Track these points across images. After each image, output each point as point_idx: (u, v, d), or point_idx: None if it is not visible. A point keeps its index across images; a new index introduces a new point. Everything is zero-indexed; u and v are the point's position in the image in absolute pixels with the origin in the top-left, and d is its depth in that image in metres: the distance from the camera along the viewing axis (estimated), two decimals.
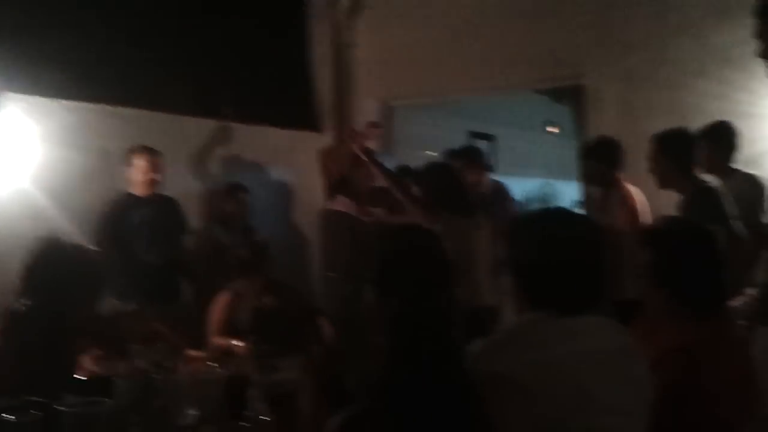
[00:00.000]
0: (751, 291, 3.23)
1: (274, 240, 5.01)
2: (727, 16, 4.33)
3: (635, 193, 4.06)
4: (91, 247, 4.02)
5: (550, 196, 7.50)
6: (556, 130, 9.00)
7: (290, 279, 4.50)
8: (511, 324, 1.62)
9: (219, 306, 4.08)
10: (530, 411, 1.44)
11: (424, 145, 7.03)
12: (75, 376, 2.55)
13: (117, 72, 4.44)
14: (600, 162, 4.09)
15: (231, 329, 3.99)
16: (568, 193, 7.71)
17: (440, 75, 5.43)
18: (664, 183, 3.47)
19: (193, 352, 3.71)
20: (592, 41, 4.83)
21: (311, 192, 5.85)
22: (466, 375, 1.39)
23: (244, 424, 2.15)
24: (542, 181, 7.91)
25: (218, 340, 4.01)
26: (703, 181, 3.35)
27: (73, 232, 4.11)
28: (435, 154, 6.95)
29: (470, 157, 4.87)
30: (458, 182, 4.12)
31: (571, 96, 5.59)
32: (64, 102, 4.18)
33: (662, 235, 2.02)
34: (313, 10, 5.89)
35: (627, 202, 3.97)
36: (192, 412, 2.13)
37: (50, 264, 2.57)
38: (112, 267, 4.14)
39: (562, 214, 1.73)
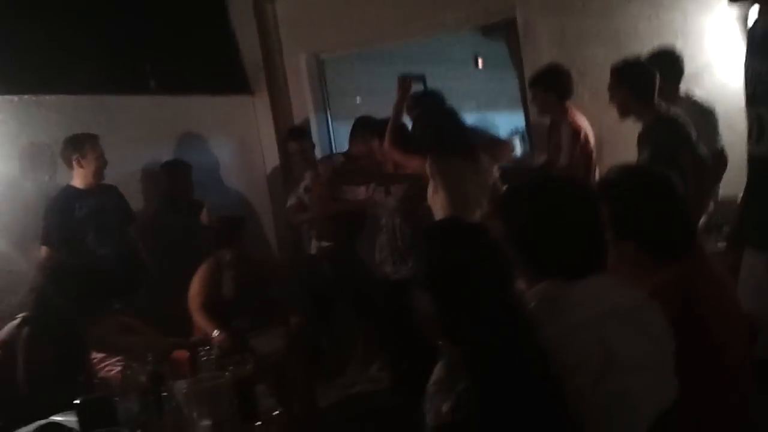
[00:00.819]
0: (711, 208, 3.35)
1: (223, 211, 4.94)
2: None
3: (583, 122, 4.11)
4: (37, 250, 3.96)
5: (488, 130, 7.52)
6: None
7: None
8: (529, 297, 1.61)
9: (200, 278, 4.09)
10: (569, 383, 1.45)
11: (358, 94, 6.93)
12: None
13: (35, 59, 4.18)
14: (548, 90, 4.11)
15: (215, 300, 4.02)
16: (505, 125, 7.77)
17: (368, 21, 5.30)
18: (624, 113, 3.50)
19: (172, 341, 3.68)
20: None
21: (252, 158, 5.73)
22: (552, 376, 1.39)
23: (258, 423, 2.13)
24: (478, 116, 7.91)
25: (200, 318, 3.99)
26: (665, 110, 3.38)
27: (15, 232, 3.95)
28: (369, 100, 6.91)
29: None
30: (460, 122, 3.97)
31: (502, 30, 5.54)
32: None
33: (618, 187, 1.97)
34: None
35: (578, 135, 4.01)
36: (205, 422, 2.08)
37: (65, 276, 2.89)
38: (65, 265, 4.01)
39: (553, 181, 1.72)
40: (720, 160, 3.67)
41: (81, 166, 4.10)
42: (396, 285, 4.19)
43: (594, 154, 4.17)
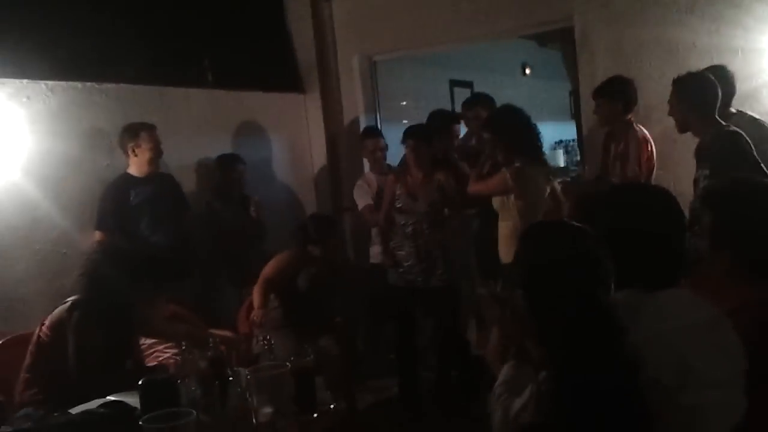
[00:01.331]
0: None
1: (271, 206, 5.00)
2: None
3: (647, 134, 4.10)
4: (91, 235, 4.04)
5: None
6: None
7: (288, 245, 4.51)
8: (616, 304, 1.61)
9: (280, 262, 4.15)
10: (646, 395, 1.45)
11: (406, 96, 6.98)
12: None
13: (97, 48, 4.29)
14: (614, 101, 4.09)
15: (286, 287, 4.10)
16: (549, 135, 7.76)
17: (423, 26, 5.32)
18: (684, 126, 3.47)
19: (217, 332, 3.71)
20: None
21: (302, 153, 5.79)
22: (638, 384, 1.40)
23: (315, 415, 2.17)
24: None
25: (258, 290, 4.08)
26: (726, 125, 3.35)
27: (72, 215, 4.05)
28: (417, 104, 6.94)
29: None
30: (533, 127, 4.00)
31: (558, 39, 5.54)
32: (48, 83, 4.04)
33: (725, 195, 1.97)
34: None
35: (646, 146, 4.02)
36: (267, 409, 2.12)
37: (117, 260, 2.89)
38: (118, 249, 4.08)
39: (638, 188, 1.72)
40: None
41: (136, 155, 4.18)
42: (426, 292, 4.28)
43: (655, 168, 4.15)
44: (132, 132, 4.15)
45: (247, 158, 4.97)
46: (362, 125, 5.72)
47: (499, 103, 4.88)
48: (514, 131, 3.87)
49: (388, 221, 4.42)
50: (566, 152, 8.54)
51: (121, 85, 4.41)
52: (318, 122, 5.69)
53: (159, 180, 4.29)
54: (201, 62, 4.97)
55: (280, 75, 5.60)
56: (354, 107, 5.73)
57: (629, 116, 4.14)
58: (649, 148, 4.08)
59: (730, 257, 1.90)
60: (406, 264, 4.29)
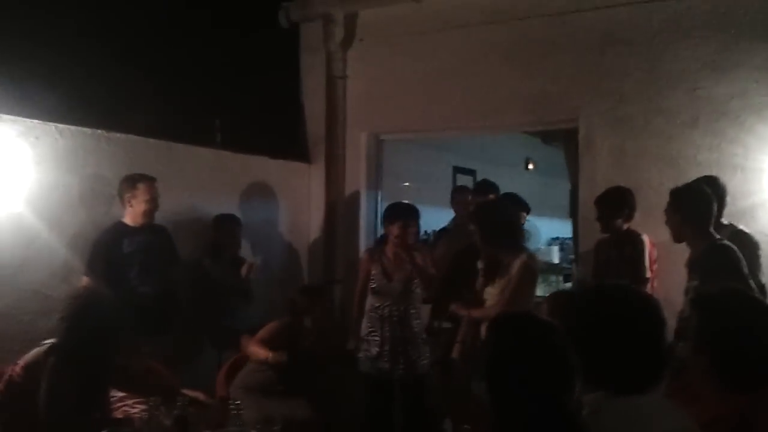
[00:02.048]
0: None
1: (263, 270, 4.99)
2: (722, 69, 4.43)
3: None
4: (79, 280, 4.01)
5: (529, 233, 7.58)
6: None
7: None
8: (587, 403, 1.59)
9: (278, 324, 4.10)
10: None
11: (409, 177, 7.07)
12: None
13: (111, 96, 4.40)
14: (619, 210, 4.18)
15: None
16: (546, 231, 7.81)
17: (432, 111, 5.44)
18: (678, 237, 3.50)
19: (190, 392, 3.64)
20: (586, 87, 4.86)
21: (300, 221, 5.82)
22: None
23: None
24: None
25: (256, 347, 4.05)
26: (719, 238, 3.38)
27: (65, 257, 4.04)
28: (419, 185, 7.02)
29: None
30: (515, 221, 4.15)
31: (561, 138, 5.64)
32: (58, 125, 4.10)
33: (711, 300, 1.98)
34: (305, 41, 5.89)
35: (652, 252, 4.10)
36: None
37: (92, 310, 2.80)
38: (101, 296, 4.05)
39: (621, 290, 1.72)
40: (762, 294, 3.62)
41: (131, 205, 4.20)
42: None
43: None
44: (131, 182, 4.18)
45: (246, 221, 5.00)
46: (363, 200, 5.78)
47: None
48: (493, 224, 3.91)
49: (360, 304, 4.44)
50: (561, 249, 8.57)
51: (130, 135, 4.47)
52: (320, 193, 5.74)
53: (152, 231, 4.30)
54: (212, 122, 5.06)
55: (288, 143, 5.70)
56: (357, 182, 5.79)
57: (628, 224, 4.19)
58: (655, 253, 4.13)
59: (709, 360, 1.88)
60: (375, 350, 4.28)
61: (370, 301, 4.35)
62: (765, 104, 4.29)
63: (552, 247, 8.77)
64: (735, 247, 3.28)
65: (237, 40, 5.21)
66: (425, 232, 7.09)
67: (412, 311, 4.33)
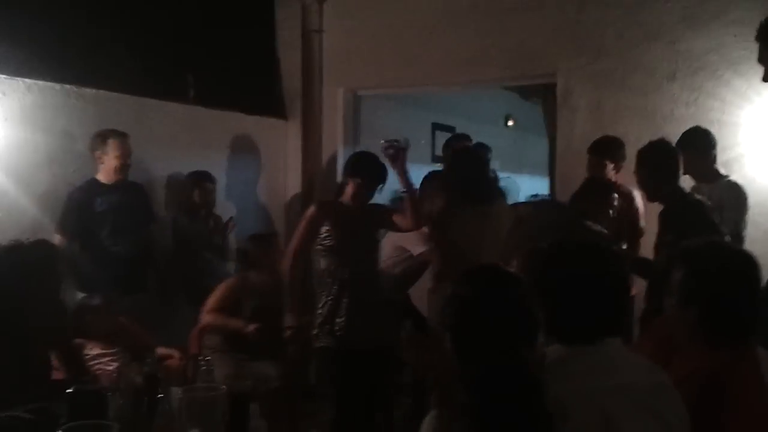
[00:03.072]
0: None
1: (240, 229, 4.96)
2: (700, 24, 4.40)
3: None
4: (50, 238, 3.95)
5: (509, 190, 7.58)
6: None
7: None
8: (548, 355, 1.59)
9: (223, 291, 4.05)
10: None
11: (387, 134, 6.99)
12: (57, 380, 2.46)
13: (81, 52, 4.26)
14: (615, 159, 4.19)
15: (229, 314, 4.01)
16: (526, 188, 7.81)
17: (410, 67, 5.37)
18: (650, 195, 3.50)
19: (162, 349, 3.64)
20: (564, 41, 4.82)
21: (276, 179, 5.77)
22: None
23: None
24: (502, 175, 7.98)
25: (219, 319, 4.00)
26: (689, 194, 3.39)
27: (34, 215, 3.98)
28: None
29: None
30: (487, 171, 4.16)
31: (540, 93, 5.61)
32: (25, 80, 4.00)
33: (698, 253, 1.97)
34: None
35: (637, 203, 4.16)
36: (194, 431, 2.06)
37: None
38: (77, 257, 4.03)
39: (585, 246, 1.71)
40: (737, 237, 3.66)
41: (102, 162, 4.13)
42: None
43: None
44: (101, 138, 4.11)
45: (221, 178, 4.94)
46: (340, 157, 5.73)
47: None
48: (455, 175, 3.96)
49: (296, 268, 3.71)
50: None
51: (100, 91, 4.37)
52: (296, 150, 5.69)
53: (127, 189, 4.24)
54: (184, 77, 4.95)
55: (264, 99, 5.60)
56: (334, 138, 5.74)
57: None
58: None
59: (697, 314, 1.88)
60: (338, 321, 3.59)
61: (325, 264, 3.69)
62: (742, 58, 4.25)
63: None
64: (705, 204, 3.29)
65: None
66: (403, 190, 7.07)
67: (375, 273, 3.78)
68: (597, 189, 3.82)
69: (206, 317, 4.04)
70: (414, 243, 4.32)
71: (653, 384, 1.61)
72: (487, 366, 1.40)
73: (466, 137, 5.12)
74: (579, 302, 1.60)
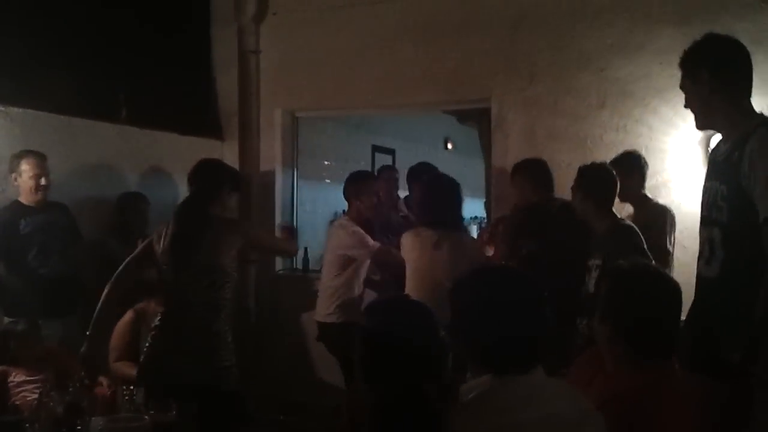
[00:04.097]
0: None
1: None
2: (628, 52, 4.53)
3: None
4: None
5: None
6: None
7: None
8: (467, 389, 1.59)
9: (120, 329, 3.90)
10: None
11: (326, 156, 7.00)
12: None
13: (7, 70, 4.11)
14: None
15: (133, 353, 3.81)
16: (467, 211, 7.86)
17: (348, 89, 5.38)
18: (583, 215, 3.55)
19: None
20: (499, 67, 4.90)
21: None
22: None
23: None
24: None
25: (118, 367, 3.81)
26: (621, 219, 3.45)
27: None
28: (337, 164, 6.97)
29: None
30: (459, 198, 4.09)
31: (476, 118, 5.69)
32: None
33: (622, 271, 2.03)
34: (216, 13, 5.72)
35: None
36: None
37: None
38: (3, 280, 3.90)
39: (503, 273, 1.72)
40: (662, 255, 3.75)
41: (17, 183, 4.02)
42: None
43: None
44: (16, 159, 4.01)
45: (154, 199, 4.84)
46: (278, 178, 5.70)
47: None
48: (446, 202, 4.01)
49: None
50: (480, 228, 8.69)
51: (27, 110, 4.24)
52: None
53: (51, 210, 4.14)
54: (116, 97, 4.85)
55: (199, 119, 5.52)
56: (272, 160, 5.69)
57: None
58: None
59: (613, 329, 1.92)
60: None
61: None
62: (668, 86, 4.37)
63: (471, 226, 8.87)
64: (636, 229, 3.37)
65: (143, 10, 4.99)
66: (343, 211, 7.06)
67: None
68: None
69: (112, 366, 3.89)
70: (354, 248, 4.40)
71: (578, 412, 1.63)
72: (389, 398, 1.39)
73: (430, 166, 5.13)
74: (502, 332, 1.60)
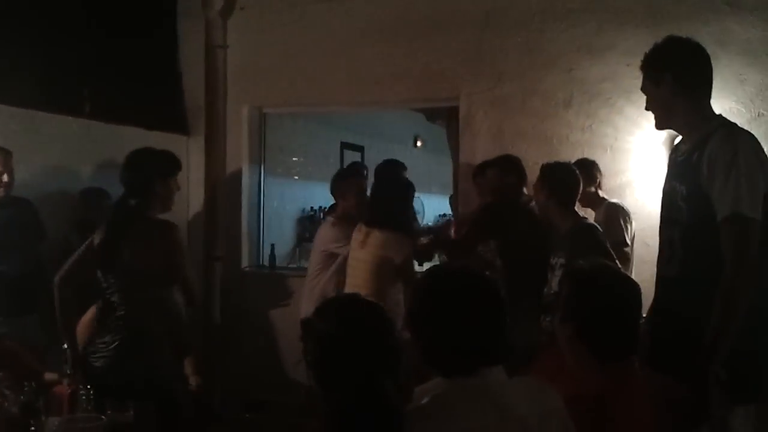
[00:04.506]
0: None
1: None
2: (595, 53, 4.58)
3: None
4: None
5: (416, 210, 7.65)
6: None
7: None
8: (423, 391, 1.58)
9: (83, 326, 3.82)
10: None
11: (295, 152, 6.96)
12: None
13: None
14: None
15: None
16: (434, 208, 7.90)
17: (316, 86, 5.35)
18: (545, 213, 3.58)
19: (48, 375, 3.45)
20: (467, 66, 4.91)
21: (178, 198, 5.59)
22: None
23: None
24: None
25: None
26: (584, 218, 3.48)
27: None
28: (306, 161, 6.93)
29: None
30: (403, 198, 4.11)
31: (444, 116, 5.69)
32: None
33: (584, 271, 2.04)
34: (183, 7, 5.65)
35: None
36: None
37: None
38: None
39: (459, 274, 1.70)
40: (622, 252, 3.80)
41: None
42: None
43: None
44: None
45: (118, 195, 4.75)
46: (245, 175, 5.65)
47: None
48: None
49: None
50: (438, 225, 8.73)
51: None
52: (199, 167, 5.55)
53: (14, 205, 4.03)
54: (80, 90, 4.76)
55: (165, 114, 5.45)
56: (239, 156, 5.64)
57: None
58: None
59: (575, 330, 1.94)
60: None
61: None
62: (634, 87, 4.31)
63: (439, 223, 8.89)
64: (598, 227, 3.40)
65: (109, 3, 4.91)
66: (311, 208, 7.05)
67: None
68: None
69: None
70: (335, 242, 4.37)
71: (538, 414, 1.62)
72: (346, 399, 1.38)
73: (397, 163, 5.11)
74: (454, 333, 1.58)
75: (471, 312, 1.61)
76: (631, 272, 3.86)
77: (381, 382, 1.42)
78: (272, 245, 5.78)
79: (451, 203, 5.79)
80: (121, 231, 3.18)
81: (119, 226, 3.21)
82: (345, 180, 4.62)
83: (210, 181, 5.51)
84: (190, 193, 5.61)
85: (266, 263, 5.76)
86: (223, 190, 5.59)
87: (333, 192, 4.62)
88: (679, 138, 2.52)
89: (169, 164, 3.39)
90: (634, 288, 2.05)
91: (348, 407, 1.36)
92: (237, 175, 5.62)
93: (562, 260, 3.35)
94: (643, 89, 2.51)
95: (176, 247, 3.28)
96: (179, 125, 5.58)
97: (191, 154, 5.61)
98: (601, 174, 4.26)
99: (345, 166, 6.36)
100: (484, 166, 4.29)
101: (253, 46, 5.48)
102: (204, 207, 5.57)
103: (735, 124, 2.36)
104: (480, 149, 4.83)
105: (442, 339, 1.59)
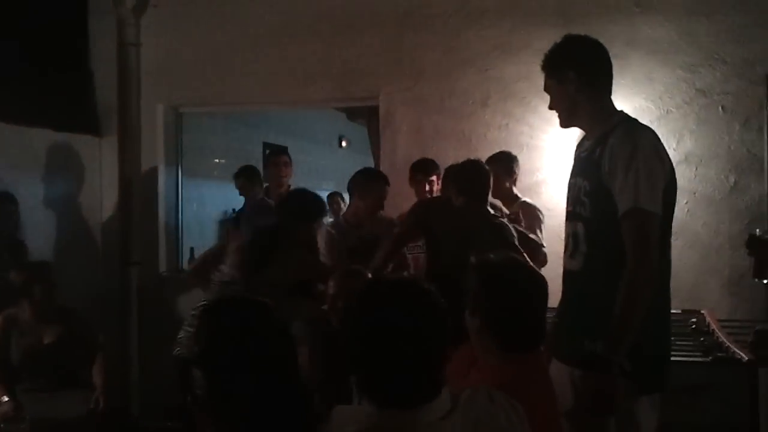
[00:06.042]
0: None
1: (51, 256, 4.61)
2: (510, 53, 4.64)
3: None
4: None
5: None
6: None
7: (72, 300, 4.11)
8: (356, 418, 1.47)
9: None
10: None
11: (215, 153, 6.83)
12: None
13: None
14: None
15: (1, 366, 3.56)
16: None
17: (234, 84, 5.24)
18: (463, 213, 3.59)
19: None
20: (387, 66, 4.91)
21: (91, 198, 5.42)
22: None
23: None
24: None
25: None
26: (494, 216, 3.51)
27: None
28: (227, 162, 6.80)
29: None
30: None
31: (365, 115, 5.68)
32: None
33: (490, 265, 2.05)
34: (94, 4, 5.46)
35: None
36: None
37: None
38: None
39: (399, 293, 1.52)
40: (536, 248, 3.86)
41: None
42: None
43: None
44: None
45: (26, 200, 4.57)
46: (161, 176, 5.49)
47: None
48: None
49: None
50: None
51: None
52: (113, 168, 5.37)
53: None
54: None
55: (75, 115, 5.25)
56: (154, 156, 5.48)
57: None
58: None
59: (482, 323, 1.95)
60: None
61: None
62: None
63: None
64: (508, 224, 3.43)
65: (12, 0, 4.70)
66: (233, 210, 6.91)
67: None
68: None
69: None
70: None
71: None
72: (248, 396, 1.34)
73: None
74: (391, 362, 1.42)
75: (409, 339, 1.43)
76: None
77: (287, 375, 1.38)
78: (191, 249, 5.65)
79: None
80: None
81: None
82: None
83: (124, 184, 5.33)
84: (104, 196, 5.45)
85: (186, 267, 5.62)
86: (138, 193, 5.41)
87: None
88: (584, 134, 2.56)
89: None
90: (539, 281, 2.07)
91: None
92: (153, 177, 5.45)
93: (473, 259, 3.36)
94: (547, 89, 2.54)
95: None
96: (90, 126, 5.39)
97: (104, 155, 5.44)
98: (518, 168, 4.29)
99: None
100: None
101: (168, 44, 5.33)
102: (119, 211, 5.39)
103: (635, 120, 2.41)
104: (400, 148, 4.84)
105: (374, 367, 1.44)
